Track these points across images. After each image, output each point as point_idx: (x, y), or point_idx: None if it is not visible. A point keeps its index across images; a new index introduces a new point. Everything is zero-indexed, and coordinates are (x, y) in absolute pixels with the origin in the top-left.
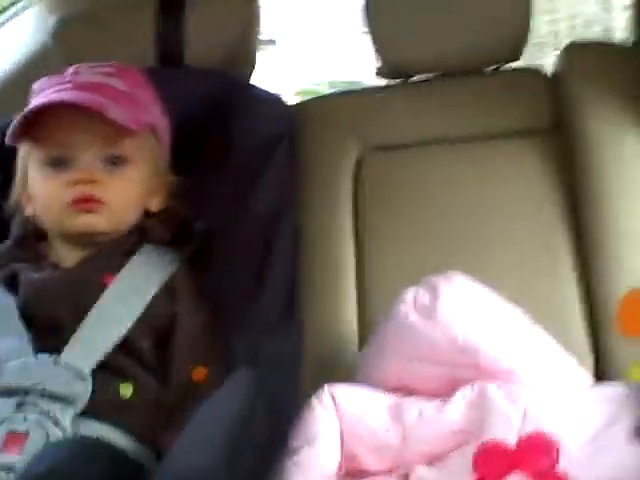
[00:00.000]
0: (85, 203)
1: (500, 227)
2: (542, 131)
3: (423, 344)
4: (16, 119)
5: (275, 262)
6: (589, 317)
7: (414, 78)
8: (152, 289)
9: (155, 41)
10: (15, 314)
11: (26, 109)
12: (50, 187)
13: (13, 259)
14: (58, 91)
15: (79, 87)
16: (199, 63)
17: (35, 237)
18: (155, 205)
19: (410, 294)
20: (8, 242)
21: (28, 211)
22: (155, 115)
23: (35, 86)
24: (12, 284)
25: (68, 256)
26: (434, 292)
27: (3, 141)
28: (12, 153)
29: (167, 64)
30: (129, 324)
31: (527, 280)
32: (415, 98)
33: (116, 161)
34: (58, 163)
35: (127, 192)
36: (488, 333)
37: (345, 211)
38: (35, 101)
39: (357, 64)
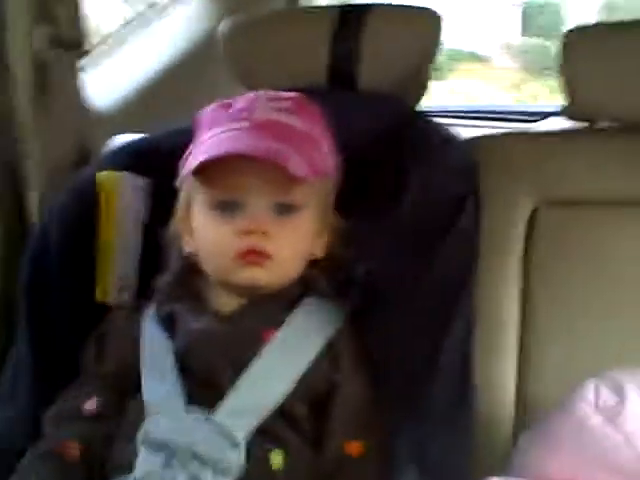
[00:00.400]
0: (253, 256)
1: None
2: None
3: (604, 451)
4: (187, 166)
5: (454, 337)
6: None
7: (603, 124)
8: (313, 350)
9: (329, 58)
10: (171, 360)
11: (198, 154)
12: (217, 234)
13: (172, 297)
14: (233, 133)
15: (256, 128)
16: (371, 85)
17: (194, 275)
18: (319, 251)
19: (591, 392)
20: (167, 277)
21: (189, 247)
22: (330, 158)
23: (204, 116)
24: (169, 326)
25: (227, 303)
26: (620, 393)
27: (166, 161)
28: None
29: (338, 83)
30: (288, 387)
31: None
32: (602, 148)
33: (287, 209)
34: (226, 208)
35: (295, 244)
36: None
37: (513, 270)
38: (207, 144)
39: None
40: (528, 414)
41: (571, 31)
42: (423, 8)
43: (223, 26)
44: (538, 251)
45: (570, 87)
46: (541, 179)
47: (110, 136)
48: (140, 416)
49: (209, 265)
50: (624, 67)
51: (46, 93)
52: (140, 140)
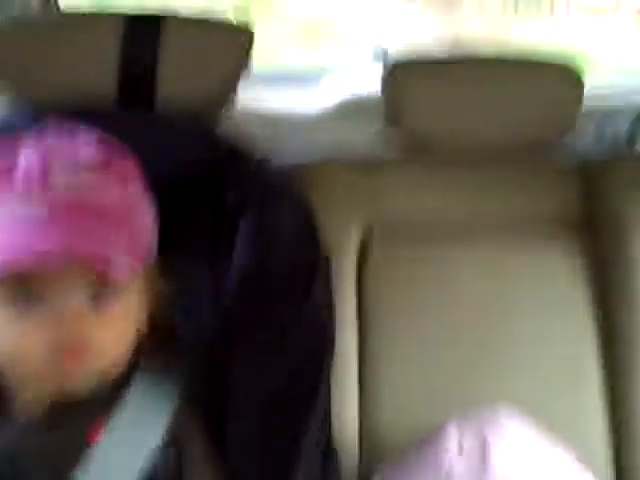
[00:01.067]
0: (64, 371)
1: (520, 328)
2: (571, 224)
3: None
4: None
5: (313, 420)
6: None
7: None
8: (152, 440)
9: (119, 74)
10: None
11: None
12: (18, 340)
13: None
14: (29, 225)
15: (59, 218)
16: (170, 106)
17: None
18: (144, 326)
19: (453, 439)
20: None
21: None
22: (150, 224)
23: None
24: None
25: (36, 401)
26: (481, 441)
27: None
28: None
29: (131, 103)
30: None
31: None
32: (431, 172)
33: (105, 294)
34: (27, 300)
35: (120, 336)
36: None
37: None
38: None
39: None
40: (372, 446)
41: (395, 65)
42: (231, 23)
43: None
44: (371, 276)
45: (394, 114)
46: (366, 211)
47: None
48: None
49: (7, 372)
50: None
51: None
52: None
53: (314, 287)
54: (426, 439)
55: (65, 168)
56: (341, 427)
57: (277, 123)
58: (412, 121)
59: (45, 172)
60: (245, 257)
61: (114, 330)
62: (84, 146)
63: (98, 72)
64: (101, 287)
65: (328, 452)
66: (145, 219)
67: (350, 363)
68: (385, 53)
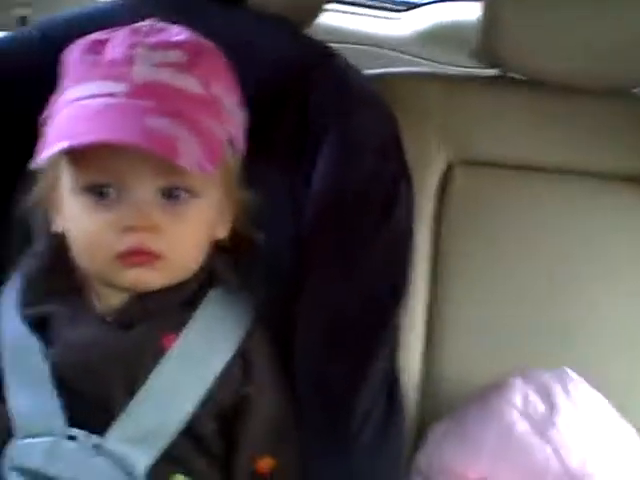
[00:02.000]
0: (139, 257)
1: (601, 283)
2: None
3: (530, 460)
4: (49, 143)
5: (382, 349)
6: None
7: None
8: (222, 358)
9: None
10: (45, 371)
11: (62, 129)
12: (92, 226)
13: (42, 290)
14: (105, 104)
15: (137, 96)
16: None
17: (68, 260)
18: (223, 232)
19: (517, 395)
20: (34, 261)
21: (57, 227)
22: (235, 122)
23: (69, 59)
24: (42, 329)
25: (113, 300)
26: (548, 400)
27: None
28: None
29: None
30: (194, 404)
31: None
32: (516, 105)
33: (180, 194)
34: (102, 193)
35: (192, 237)
36: (604, 463)
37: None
38: (74, 116)
39: None
40: (433, 394)
41: None
42: None
43: None
44: (450, 214)
45: (488, 29)
46: (454, 135)
47: None
48: (4, 433)
49: (84, 262)
50: (547, 21)
51: None
52: None
53: (396, 207)
54: (489, 391)
55: (150, 62)
56: (403, 369)
57: (361, 41)
58: (508, 46)
59: (130, 63)
60: (326, 169)
61: (186, 229)
62: (172, 44)
63: None
64: (176, 185)
65: (393, 387)
66: (226, 123)
67: (417, 303)
68: None
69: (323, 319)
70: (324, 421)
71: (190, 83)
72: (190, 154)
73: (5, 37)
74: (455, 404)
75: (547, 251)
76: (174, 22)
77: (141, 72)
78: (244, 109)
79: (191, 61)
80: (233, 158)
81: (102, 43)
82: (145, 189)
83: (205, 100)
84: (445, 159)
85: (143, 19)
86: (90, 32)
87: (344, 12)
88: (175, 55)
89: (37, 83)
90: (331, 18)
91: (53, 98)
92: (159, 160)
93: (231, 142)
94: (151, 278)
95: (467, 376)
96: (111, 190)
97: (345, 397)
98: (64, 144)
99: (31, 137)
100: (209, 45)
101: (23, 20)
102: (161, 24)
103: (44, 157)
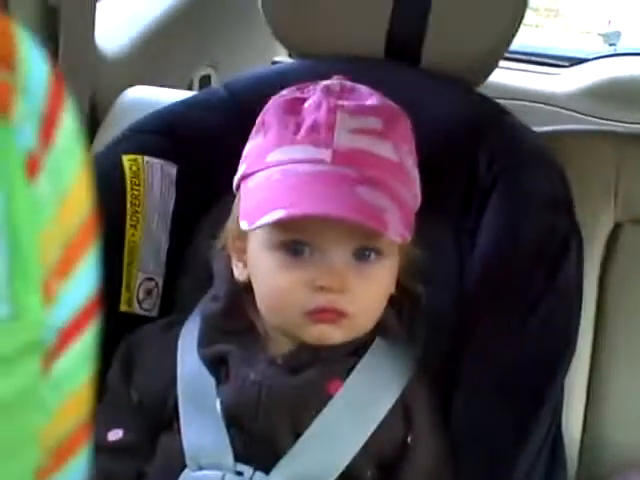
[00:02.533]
0: (327, 314)
1: None
2: None
3: None
4: (262, 210)
5: (547, 407)
6: None
7: None
8: (385, 405)
9: (389, 22)
10: (217, 407)
11: (268, 197)
12: (285, 282)
13: (220, 331)
14: (312, 174)
15: (342, 164)
16: (436, 62)
17: (245, 304)
18: (394, 288)
19: None
20: (214, 305)
21: (239, 275)
22: (415, 180)
23: (267, 113)
24: (216, 367)
25: (283, 344)
26: None
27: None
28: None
29: (398, 56)
30: (356, 449)
31: None
32: None
33: (369, 255)
34: (296, 249)
35: (377, 297)
36: None
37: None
38: (279, 183)
39: None
40: (593, 459)
41: None
42: None
43: None
44: (617, 275)
45: None
46: (623, 193)
47: (120, 86)
48: (176, 461)
49: (268, 315)
50: None
51: (56, 41)
52: (166, 111)
53: (566, 263)
54: None
55: (349, 128)
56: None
57: (526, 97)
58: None
59: (331, 128)
60: (496, 222)
61: (373, 289)
62: (368, 110)
63: (368, 32)
64: (368, 247)
65: (556, 446)
66: (413, 185)
67: (581, 363)
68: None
69: (491, 375)
70: (485, 476)
71: (386, 150)
72: (395, 224)
73: (192, 97)
74: (615, 469)
75: None
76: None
77: (342, 138)
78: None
79: (386, 127)
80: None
81: (300, 103)
82: (340, 251)
83: (398, 166)
84: (614, 217)
85: (323, 78)
86: (277, 91)
87: (509, 69)
88: (373, 121)
89: (222, 141)
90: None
91: (249, 156)
92: (356, 224)
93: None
94: (335, 335)
95: (629, 441)
96: (307, 248)
97: (509, 453)
98: (281, 213)
99: (209, 190)
100: (398, 109)
101: (206, 79)
102: (350, 83)
103: (265, 222)
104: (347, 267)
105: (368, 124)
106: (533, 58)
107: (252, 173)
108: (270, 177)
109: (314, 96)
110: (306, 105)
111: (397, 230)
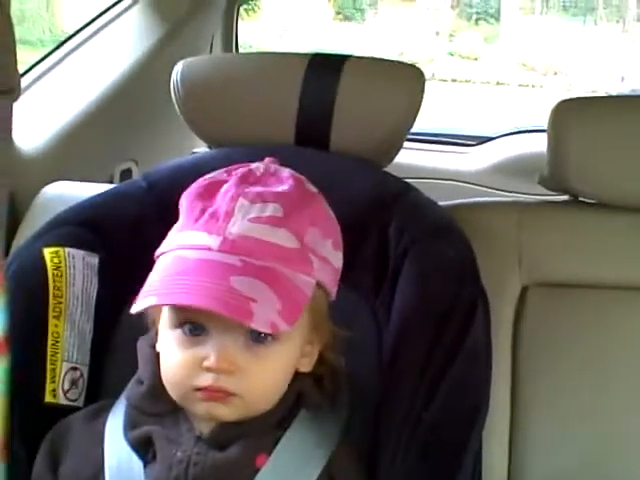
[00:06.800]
0: (213, 393)
1: None
2: None
3: None
4: (143, 295)
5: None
6: None
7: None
8: (312, 474)
9: (298, 112)
10: None
11: (161, 281)
12: (179, 360)
13: (145, 413)
14: (196, 260)
15: (227, 252)
16: (343, 145)
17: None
18: (307, 365)
19: None
20: (139, 388)
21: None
22: (329, 263)
23: (183, 200)
24: (143, 450)
25: (208, 422)
26: None
27: None
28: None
29: (308, 141)
30: None
31: None
32: (588, 225)
33: (262, 336)
34: (192, 330)
35: (272, 377)
36: None
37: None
38: (170, 267)
39: None
40: None
41: (563, 102)
42: (406, 64)
43: (176, 71)
44: (527, 332)
45: (555, 157)
46: (528, 258)
47: (40, 183)
48: None
49: (169, 389)
50: (616, 145)
51: None
52: (86, 203)
53: (473, 326)
54: None
55: (247, 216)
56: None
57: (436, 175)
58: (574, 173)
59: (229, 215)
60: (407, 292)
61: (266, 371)
62: (272, 196)
63: (278, 121)
64: (260, 330)
65: None
66: (316, 272)
67: (501, 413)
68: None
69: (411, 437)
70: None
71: (282, 237)
72: (264, 315)
73: (112, 189)
74: None
75: (627, 367)
76: None
77: (236, 226)
78: (340, 249)
79: (287, 214)
80: (323, 298)
81: (217, 187)
82: (232, 333)
83: (296, 254)
84: (520, 281)
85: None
86: (194, 180)
87: (418, 149)
88: (272, 209)
89: (141, 230)
90: (406, 155)
91: (165, 240)
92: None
93: (322, 285)
94: (223, 412)
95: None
96: (201, 329)
97: None
98: (152, 300)
99: (131, 278)
100: (311, 191)
101: (127, 173)
102: (275, 167)
103: (138, 308)
104: (239, 348)
105: (266, 212)
106: (443, 139)
107: (158, 256)
108: (163, 261)
109: (230, 181)
110: (221, 190)
111: (266, 319)
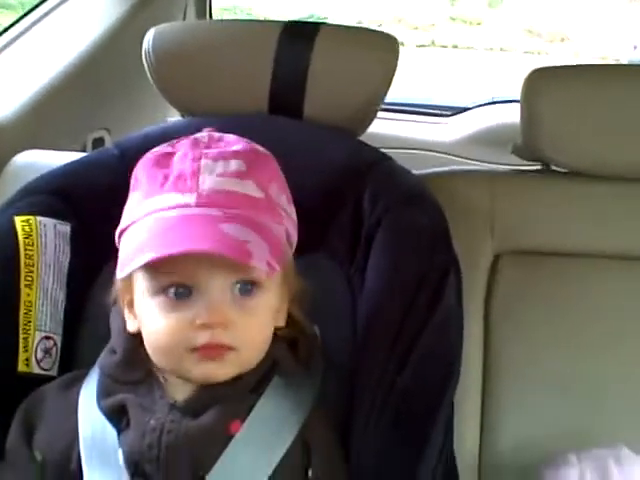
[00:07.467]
0: (213, 350)
1: None
2: None
3: None
4: (134, 256)
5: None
6: None
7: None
8: (285, 440)
9: (271, 81)
10: (120, 458)
11: (142, 242)
12: (168, 324)
13: (118, 382)
14: (179, 216)
15: (207, 205)
16: (317, 113)
17: (142, 354)
18: (281, 319)
19: (573, 473)
20: (112, 358)
21: (131, 327)
22: (289, 216)
23: (138, 173)
24: (117, 418)
25: (182, 389)
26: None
27: None
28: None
29: (282, 110)
30: None
31: None
32: (563, 194)
33: (248, 288)
34: (176, 292)
35: (261, 329)
36: None
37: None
38: (150, 228)
39: None
40: (491, 469)
41: (536, 70)
42: (379, 32)
43: (148, 39)
44: (500, 299)
45: (528, 127)
46: (500, 227)
47: (10, 151)
48: None
49: (156, 357)
50: (589, 113)
51: None
52: (57, 172)
53: (445, 293)
54: (545, 469)
55: (214, 172)
56: (460, 446)
57: (411, 146)
58: (547, 142)
59: (196, 174)
60: (381, 259)
61: (256, 321)
62: (231, 154)
63: (251, 90)
64: (243, 281)
65: (450, 465)
66: (283, 222)
67: (473, 381)
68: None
69: (383, 403)
70: None
71: (251, 189)
72: (260, 255)
73: (83, 157)
74: (513, 476)
75: (599, 334)
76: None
77: (207, 182)
78: (293, 205)
79: (249, 169)
80: (288, 248)
81: (168, 157)
82: (219, 288)
83: (265, 203)
84: (492, 250)
85: None
86: None
87: (394, 120)
88: (235, 164)
89: (113, 198)
90: (383, 126)
91: (126, 211)
92: (231, 260)
93: (288, 238)
94: (220, 372)
95: (522, 455)
96: (186, 290)
97: (404, 476)
98: (150, 255)
99: (103, 246)
100: (262, 151)
101: (100, 142)
102: (218, 134)
103: (134, 266)
104: (227, 302)
105: (230, 167)
106: (419, 109)
107: (127, 227)
108: (140, 227)
109: (182, 149)
110: (175, 158)
111: (263, 259)
